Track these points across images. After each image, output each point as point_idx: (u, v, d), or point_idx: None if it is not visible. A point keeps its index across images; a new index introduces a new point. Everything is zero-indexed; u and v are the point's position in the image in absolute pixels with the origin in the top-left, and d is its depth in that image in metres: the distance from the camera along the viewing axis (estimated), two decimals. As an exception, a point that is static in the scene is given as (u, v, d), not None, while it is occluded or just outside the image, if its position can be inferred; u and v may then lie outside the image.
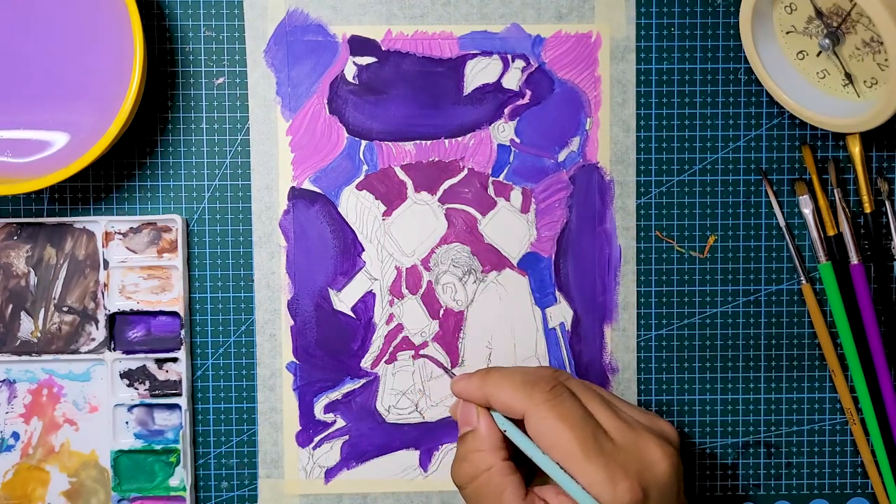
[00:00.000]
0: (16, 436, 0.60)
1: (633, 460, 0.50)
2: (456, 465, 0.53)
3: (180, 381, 0.60)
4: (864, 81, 0.56)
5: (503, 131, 0.60)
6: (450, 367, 0.60)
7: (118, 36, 0.56)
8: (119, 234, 0.59)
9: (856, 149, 0.59)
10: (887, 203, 0.60)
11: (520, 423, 0.52)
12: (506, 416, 0.52)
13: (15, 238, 0.59)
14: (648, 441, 0.51)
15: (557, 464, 0.50)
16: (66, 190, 0.60)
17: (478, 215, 0.60)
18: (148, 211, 0.60)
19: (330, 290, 0.60)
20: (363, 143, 0.60)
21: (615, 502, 0.48)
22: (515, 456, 0.53)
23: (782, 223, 0.60)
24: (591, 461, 0.49)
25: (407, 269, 0.61)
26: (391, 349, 0.60)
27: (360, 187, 0.60)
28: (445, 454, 0.61)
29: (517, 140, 0.60)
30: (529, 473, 0.53)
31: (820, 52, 0.57)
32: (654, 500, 0.49)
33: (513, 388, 0.51)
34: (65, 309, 0.60)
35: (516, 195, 0.60)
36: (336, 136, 0.60)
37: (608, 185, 0.60)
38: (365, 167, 0.60)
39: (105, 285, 0.59)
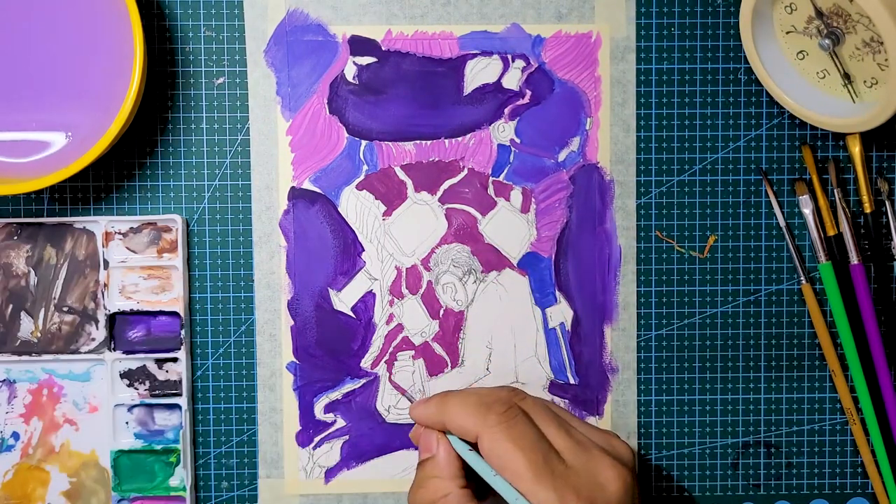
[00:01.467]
0: (16, 436, 0.60)
1: (584, 481, 0.51)
2: (413, 491, 0.53)
3: (180, 381, 0.60)
4: (864, 81, 0.56)
5: (503, 131, 0.60)
6: (409, 393, 0.60)
7: (118, 36, 0.56)
8: (119, 234, 0.59)
9: (856, 149, 0.59)
10: (887, 203, 0.60)
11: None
12: (463, 440, 0.53)
13: (15, 238, 0.59)
14: (600, 461, 0.51)
15: (511, 486, 0.50)
16: (66, 190, 0.60)
17: (478, 215, 0.60)
18: (148, 211, 0.60)
19: (330, 290, 0.60)
20: (363, 143, 0.60)
21: None
22: (476, 480, 0.53)
23: (782, 223, 0.60)
24: (542, 483, 0.50)
25: (407, 269, 0.61)
26: (391, 349, 0.60)
27: (360, 187, 0.60)
28: (445, 454, 0.61)
29: (517, 140, 0.60)
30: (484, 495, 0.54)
31: (803, 54, 0.57)
32: None
33: (467, 411, 0.52)
34: (65, 309, 0.60)
35: (516, 195, 0.60)
36: (336, 136, 0.60)
37: (608, 185, 0.60)
38: (365, 167, 0.60)
39: (105, 285, 0.59)
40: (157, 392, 0.60)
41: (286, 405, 0.60)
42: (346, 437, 0.61)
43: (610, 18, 0.60)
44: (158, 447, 0.60)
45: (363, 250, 0.60)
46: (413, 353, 0.61)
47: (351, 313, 0.60)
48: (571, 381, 0.61)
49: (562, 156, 0.60)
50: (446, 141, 0.60)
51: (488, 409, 0.52)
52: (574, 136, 0.60)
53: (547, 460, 0.50)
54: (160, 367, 0.60)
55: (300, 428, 0.60)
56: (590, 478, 0.51)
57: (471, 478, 0.53)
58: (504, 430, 0.51)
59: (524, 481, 0.50)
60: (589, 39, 0.60)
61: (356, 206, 0.60)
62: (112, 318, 0.60)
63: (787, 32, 0.57)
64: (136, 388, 0.60)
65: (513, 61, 0.60)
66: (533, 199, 0.60)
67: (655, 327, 0.61)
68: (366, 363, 0.61)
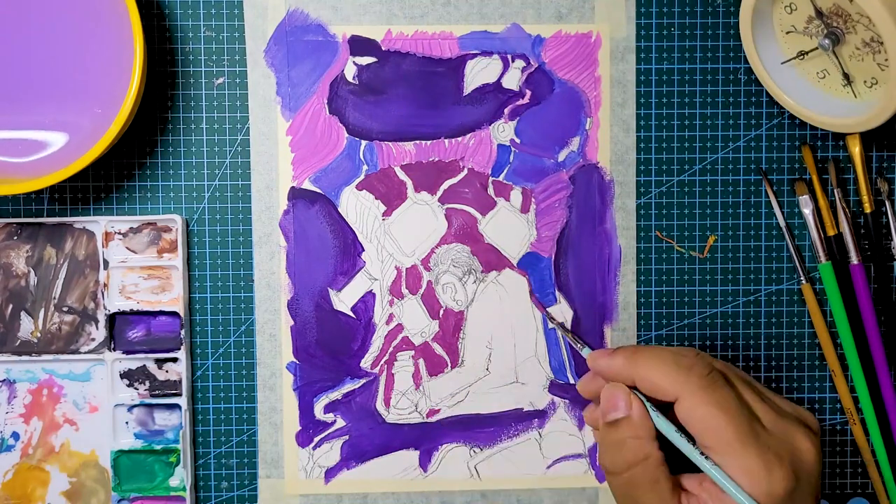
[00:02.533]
0: (16, 436, 0.60)
1: (784, 448, 0.49)
2: (611, 452, 0.51)
3: (180, 381, 0.60)
4: (864, 81, 0.56)
5: (503, 131, 0.60)
6: (580, 340, 0.58)
7: (118, 36, 0.56)
8: (119, 234, 0.59)
9: (856, 149, 0.59)
10: (887, 203, 0.60)
11: (661, 407, 0.51)
12: (648, 398, 0.51)
13: (15, 238, 0.59)
14: (797, 430, 0.50)
15: (703, 454, 0.49)
16: (66, 190, 0.60)
17: (478, 215, 0.60)
18: (148, 211, 0.60)
19: (330, 290, 0.60)
20: (363, 143, 0.60)
21: (771, 490, 0.48)
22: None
23: (782, 223, 0.60)
24: (748, 448, 0.48)
25: (407, 269, 0.61)
26: (391, 349, 0.60)
27: (360, 187, 0.60)
28: (445, 454, 0.61)
29: (517, 140, 0.60)
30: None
31: (806, 53, 0.57)
32: (803, 488, 0.49)
33: (665, 370, 0.50)
34: (65, 309, 0.60)
35: (516, 195, 0.60)
36: (336, 136, 0.60)
37: (608, 185, 0.60)
38: (365, 167, 0.60)
39: (105, 285, 0.59)
40: (156, 392, 0.60)
41: (286, 405, 0.60)
42: (346, 437, 0.61)
43: (610, 18, 0.60)
44: (158, 447, 0.60)
45: (363, 250, 0.60)
46: (413, 353, 0.61)
47: (351, 313, 0.60)
48: (571, 381, 0.61)
49: (562, 156, 0.60)
50: (446, 141, 0.60)
51: (689, 370, 0.50)
52: (574, 136, 0.60)
53: (751, 426, 0.49)
54: (160, 367, 0.60)
55: (300, 428, 0.60)
56: (789, 445, 0.49)
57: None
58: (709, 394, 0.49)
59: (730, 446, 0.48)
60: (589, 39, 0.60)
61: (356, 206, 0.60)
62: (112, 318, 0.60)
63: (787, 32, 0.57)
64: (136, 388, 0.60)
65: (513, 61, 0.60)
66: (533, 199, 0.60)
67: (655, 327, 0.61)
68: (366, 363, 0.60)
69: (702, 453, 0.49)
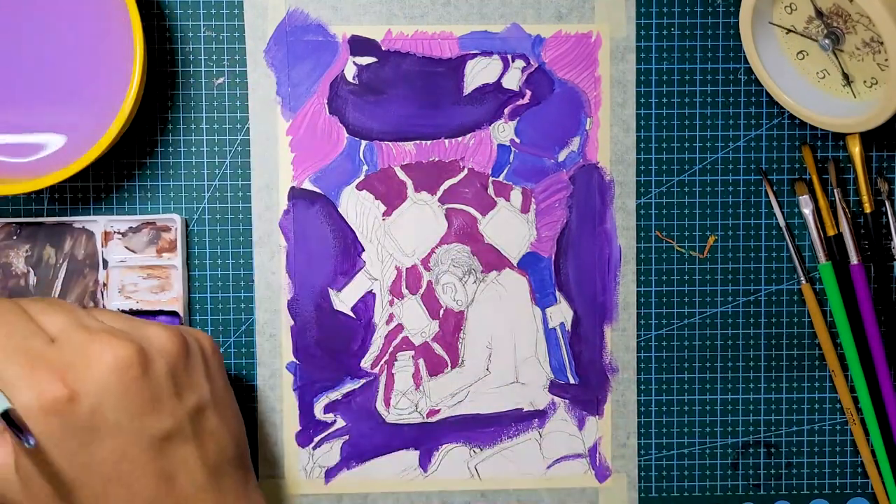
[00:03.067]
0: (15, 436, 0.60)
1: (67, 358, 0.46)
2: None
3: (180, 381, 0.60)
4: (864, 81, 0.56)
5: (503, 131, 0.60)
6: None
7: (118, 36, 0.56)
8: (118, 233, 0.59)
9: (856, 149, 0.59)
10: (887, 203, 0.60)
11: None
12: None
13: (14, 238, 0.59)
14: (98, 339, 0.47)
15: None
16: (66, 190, 0.60)
17: (478, 215, 0.60)
18: (148, 211, 0.60)
19: (330, 290, 0.60)
20: (363, 143, 0.60)
21: (34, 398, 0.45)
22: None
23: (782, 223, 0.60)
24: (11, 359, 0.46)
25: (407, 269, 0.61)
26: (391, 349, 0.60)
27: (360, 187, 0.60)
28: (445, 454, 0.61)
29: (517, 140, 0.60)
30: None
31: (808, 53, 0.57)
32: (89, 398, 0.46)
33: None
34: (64, 309, 0.60)
35: (516, 195, 0.60)
36: (336, 136, 0.60)
37: (608, 185, 0.60)
38: (365, 167, 0.60)
39: (104, 285, 0.59)
40: (156, 392, 0.60)
41: (286, 405, 0.60)
42: (346, 437, 0.61)
43: (610, 18, 0.60)
44: (158, 447, 0.60)
45: (363, 250, 0.60)
46: (413, 353, 0.61)
47: (351, 313, 0.60)
48: (571, 381, 0.61)
49: (562, 156, 0.60)
50: (446, 141, 0.60)
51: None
52: (574, 136, 0.60)
53: (25, 339, 0.47)
54: (160, 367, 0.60)
55: (300, 428, 0.60)
56: (80, 356, 0.47)
57: None
58: None
59: None
60: (589, 39, 0.60)
61: (356, 206, 0.60)
62: (112, 318, 0.60)
63: (787, 32, 0.57)
64: (136, 388, 0.60)
65: (513, 61, 0.60)
66: (533, 199, 0.60)
67: (655, 327, 0.61)
68: (366, 363, 0.60)
69: None
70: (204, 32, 0.60)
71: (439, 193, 0.60)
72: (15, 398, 0.45)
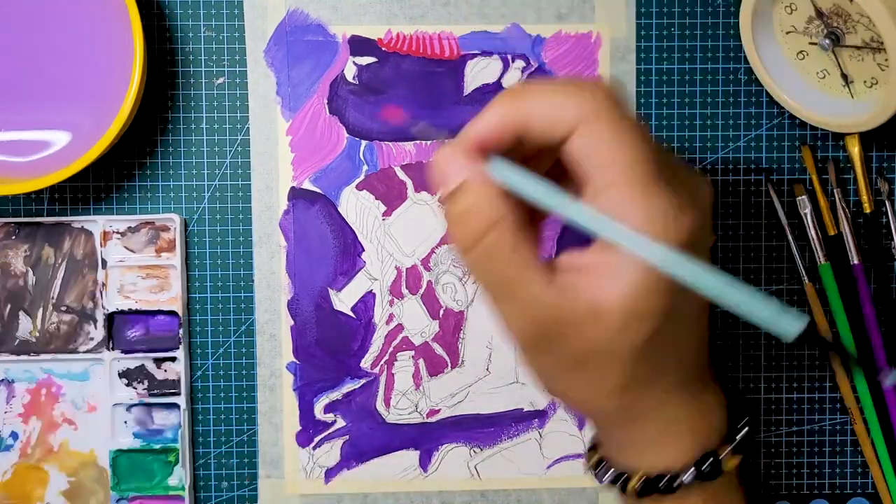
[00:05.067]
0: (14, 435, 0.60)
1: (691, 188, 0.40)
2: (457, 227, 0.41)
3: (179, 381, 0.59)
4: (864, 81, 0.56)
5: (503, 131, 0.60)
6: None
7: (118, 36, 0.56)
8: (117, 233, 0.59)
9: (855, 149, 0.59)
10: (887, 203, 0.60)
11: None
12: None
13: (13, 238, 0.59)
14: (695, 172, 0.42)
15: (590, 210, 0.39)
16: (65, 190, 0.60)
17: (478, 215, 0.60)
18: (148, 211, 0.60)
19: (330, 290, 0.60)
20: (363, 143, 0.60)
21: (680, 235, 0.38)
22: None
23: (784, 222, 0.60)
24: (661, 187, 0.38)
25: (407, 269, 0.61)
26: (391, 349, 0.60)
27: (360, 187, 0.60)
28: (445, 454, 0.61)
29: (517, 140, 0.60)
30: None
31: (806, 53, 0.57)
32: (705, 237, 0.41)
33: (565, 91, 0.40)
34: (63, 308, 0.59)
35: (516, 195, 0.60)
36: (336, 136, 0.60)
37: (608, 185, 0.60)
38: (365, 167, 0.60)
39: (103, 285, 0.59)
40: (155, 392, 0.60)
41: (286, 405, 0.60)
42: (346, 437, 0.60)
43: (610, 18, 0.60)
44: (157, 446, 0.60)
45: (363, 250, 0.60)
46: (413, 353, 0.60)
47: (351, 313, 0.60)
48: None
49: (562, 156, 0.60)
50: (446, 141, 0.60)
51: (594, 88, 0.40)
52: (574, 136, 0.60)
53: (664, 160, 0.39)
54: (158, 367, 0.60)
55: (300, 428, 0.60)
56: (693, 185, 0.40)
57: None
58: (618, 120, 0.39)
59: (639, 185, 0.38)
60: (589, 39, 0.60)
61: (356, 206, 0.60)
62: (110, 318, 0.59)
63: (787, 32, 0.57)
64: (135, 388, 0.60)
65: (513, 61, 0.60)
66: (533, 200, 0.60)
67: (655, 327, 0.61)
68: (366, 363, 0.60)
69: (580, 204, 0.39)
70: (204, 32, 0.60)
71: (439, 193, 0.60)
72: (658, 232, 0.38)
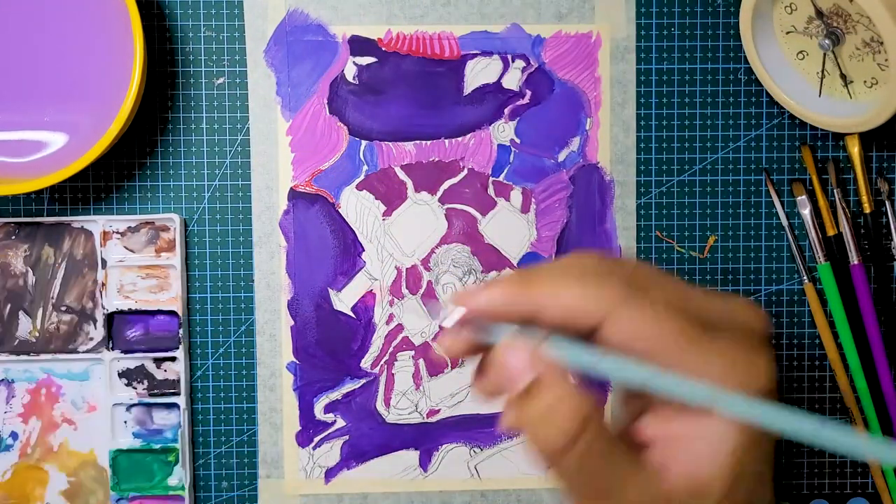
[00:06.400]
0: (14, 435, 0.60)
1: (733, 328, 0.37)
2: (542, 432, 0.37)
3: (178, 381, 0.59)
4: (864, 82, 0.56)
5: (503, 131, 0.60)
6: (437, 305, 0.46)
7: (118, 36, 0.56)
8: (117, 233, 0.59)
9: (855, 149, 0.59)
10: (887, 203, 0.60)
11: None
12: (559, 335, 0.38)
13: (13, 237, 0.59)
14: (736, 302, 0.39)
15: (666, 373, 0.36)
16: (66, 190, 0.60)
17: (478, 215, 0.60)
18: (148, 211, 0.60)
19: (330, 290, 0.60)
20: (363, 143, 0.60)
21: (757, 377, 0.36)
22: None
23: (784, 222, 0.60)
24: (712, 342, 0.36)
25: (407, 269, 0.60)
26: (391, 349, 0.60)
27: (360, 187, 0.60)
28: (445, 454, 0.61)
29: (517, 140, 0.60)
30: None
31: (806, 53, 0.57)
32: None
33: (582, 283, 0.37)
34: (63, 308, 0.59)
35: (516, 195, 0.60)
36: (336, 136, 0.60)
37: (608, 185, 0.60)
38: (365, 167, 0.60)
39: (103, 284, 0.59)
40: (155, 391, 0.60)
41: (286, 405, 0.60)
42: (346, 437, 0.60)
43: (610, 18, 0.60)
44: (157, 446, 0.60)
45: (363, 250, 0.60)
46: (413, 353, 0.60)
47: (351, 313, 0.60)
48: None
49: (562, 156, 0.60)
50: (446, 141, 0.60)
51: (610, 275, 0.37)
52: (574, 136, 0.60)
53: (698, 321, 0.37)
54: (158, 367, 0.60)
55: (300, 428, 0.60)
56: (735, 322, 0.38)
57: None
58: (643, 297, 0.36)
59: (690, 345, 0.36)
60: (589, 39, 0.60)
61: (356, 206, 0.60)
62: (110, 318, 0.59)
63: (787, 32, 0.57)
64: (135, 388, 0.60)
65: (513, 61, 0.60)
66: (533, 200, 0.60)
67: (655, 327, 0.61)
68: (366, 363, 0.60)
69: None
70: (204, 32, 0.60)
71: (439, 193, 0.60)
72: (738, 378, 0.36)
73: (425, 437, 0.61)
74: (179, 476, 0.60)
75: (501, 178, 0.60)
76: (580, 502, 0.37)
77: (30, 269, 0.59)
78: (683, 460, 0.36)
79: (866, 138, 0.60)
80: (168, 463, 0.60)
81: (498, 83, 0.60)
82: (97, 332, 0.59)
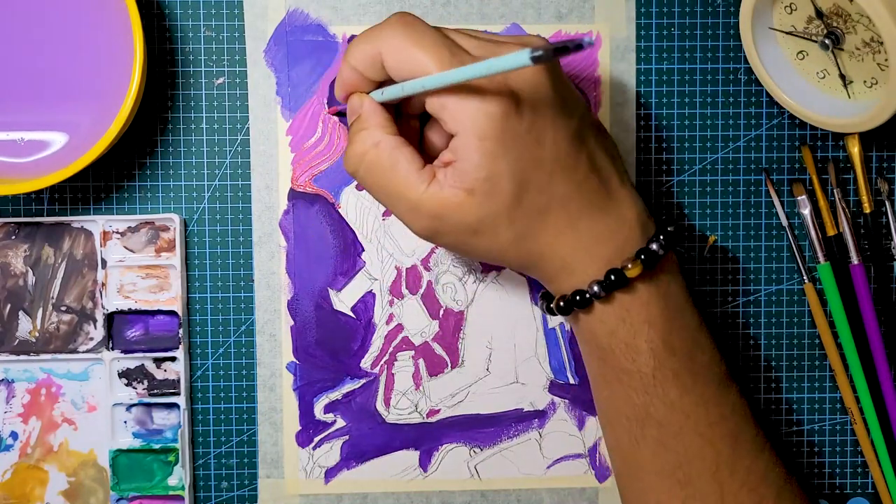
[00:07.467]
0: (14, 435, 0.60)
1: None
2: (345, 151, 0.52)
3: (178, 381, 0.59)
4: (864, 81, 0.56)
5: (503, 131, 0.60)
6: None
7: (118, 36, 0.56)
8: (117, 233, 0.59)
9: (855, 149, 0.59)
10: (887, 203, 0.60)
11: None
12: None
13: (13, 238, 0.59)
14: (508, 47, 0.50)
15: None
16: (66, 190, 0.60)
17: (478, 215, 0.60)
18: (148, 211, 0.60)
19: (330, 290, 0.60)
20: (363, 143, 0.60)
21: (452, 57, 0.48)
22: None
23: (784, 222, 0.60)
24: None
25: (407, 269, 0.61)
26: (391, 349, 0.60)
27: (360, 187, 0.60)
28: (445, 454, 0.61)
29: (517, 140, 0.60)
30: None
31: (807, 53, 0.57)
32: (526, 101, 0.49)
33: (367, 32, 0.51)
34: (63, 308, 0.59)
35: (516, 195, 0.60)
36: (336, 136, 0.60)
37: (608, 185, 0.60)
38: (365, 167, 0.60)
39: (103, 284, 0.59)
40: (155, 391, 0.60)
41: (286, 405, 0.60)
42: (346, 437, 0.60)
43: (610, 18, 0.60)
44: (157, 446, 0.60)
45: (363, 250, 0.60)
46: (413, 353, 0.60)
47: (351, 313, 0.60)
48: (571, 381, 0.61)
49: (562, 156, 0.60)
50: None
51: (388, 22, 0.50)
52: (574, 136, 0.60)
53: (453, 54, 0.48)
54: (158, 367, 0.60)
55: (300, 428, 0.60)
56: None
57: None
58: (405, 36, 0.49)
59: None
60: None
61: (356, 206, 0.60)
62: (110, 318, 0.59)
63: (787, 32, 0.57)
64: (135, 388, 0.60)
65: (513, 61, 0.60)
66: (533, 200, 0.60)
67: (655, 327, 0.61)
68: (366, 363, 0.60)
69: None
70: (204, 32, 0.60)
71: (439, 193, 0.60)
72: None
73: (425, 437, 0.61)
74: (179, 476, 0.60)
75: (501, 178, 0.60)
76: (377, 199, 0.52)
77: (30, 269, 0.59)
78: (450, 175, 0.49)
79: (866, 138, 0.60)
80: (168, 463, 0.60)
81: (498, 83, 0.60)
82: (97, 332, 0.59)
